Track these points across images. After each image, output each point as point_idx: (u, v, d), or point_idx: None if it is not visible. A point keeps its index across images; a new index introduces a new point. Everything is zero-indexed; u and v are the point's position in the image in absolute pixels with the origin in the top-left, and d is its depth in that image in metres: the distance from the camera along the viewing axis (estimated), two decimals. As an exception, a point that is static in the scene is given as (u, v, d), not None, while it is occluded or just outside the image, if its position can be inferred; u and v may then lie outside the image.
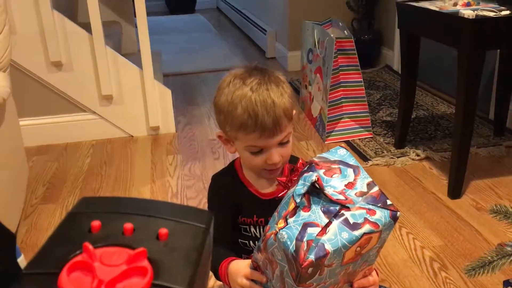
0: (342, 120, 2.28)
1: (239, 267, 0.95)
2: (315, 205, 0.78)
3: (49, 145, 2.34)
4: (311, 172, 0.80)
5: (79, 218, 0.41)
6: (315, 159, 0.84)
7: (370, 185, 0.81)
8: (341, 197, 0.78)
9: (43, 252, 0.38)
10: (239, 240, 1.08)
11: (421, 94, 2.71)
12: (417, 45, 1.96)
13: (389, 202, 0.80)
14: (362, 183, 0.80)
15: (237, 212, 1.06)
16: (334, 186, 0.79)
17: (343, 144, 2.23)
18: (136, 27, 2.38)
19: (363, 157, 2.08)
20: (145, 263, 0.37)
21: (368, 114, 2.29)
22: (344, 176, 0.81)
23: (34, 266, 0.36)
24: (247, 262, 0.96)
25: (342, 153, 0.85)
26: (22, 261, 1.17)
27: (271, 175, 1.02)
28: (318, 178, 0.79)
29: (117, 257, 0.37)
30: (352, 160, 0.84)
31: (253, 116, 0.93)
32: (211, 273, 1.08)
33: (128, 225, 0.40)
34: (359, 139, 2.25)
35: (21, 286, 0.34)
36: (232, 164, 1.09)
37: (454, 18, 1.63)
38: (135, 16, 2.34)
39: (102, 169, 2.11)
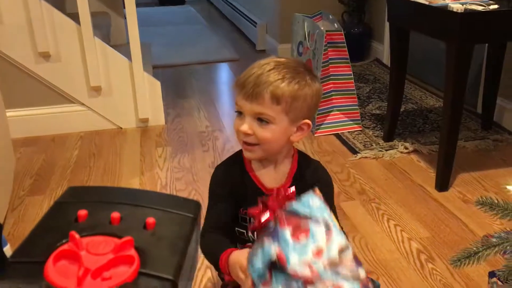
0: (332, 113, 2.28)
1: (238, 259, 0.93)
2: (277, 280, 0.70)
3: (37, 137, 2.32)
4: (271, 243, 0.71)
5: (66, 208, 0.41)
6: (284, 213, 0.76)
7: (342, 250, 0.73)
8: (307, 270, 0.70)
9: (29, 241, 0.37)
10: (236, 228, 1.08)
11: (410, 88, 2.72)
12: (407, 39, 1.97)
13: (362, 272, 0.72)
14: (333, 247, 0.73)
15: (238, 203, 1.05)
16: (300, 253, 0.71)
17: (332, 137, 2.24)
18: (125, 18, 2.36)
19: (352, 150, 2.09)
20: (132, 252, 0.37)
21: (357, 107, 2.29)
22: (312, 238, 0.73)
23: (20, 255, 0.36)
24: (246, 253, 0.89)
25: (315, 205, 0.77)
26: (8, 250, 1.16)
27: (245, 150, 1.02)
28: (278, 255, 0.69)
29: (104, 246, 0.37)
30: (325, 213, 0.76)
31: (245, 76, 0.97)
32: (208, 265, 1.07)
33: (115, 215, 0.40)
34: (349, 132, 2.25)
35: (7, 274, 0.34)
36: (239, 153, 1.07)
37: (443, 11, 1.63)
38: (124, 7, 2.31)
39: (90, 161, 2.10)
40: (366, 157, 2.04)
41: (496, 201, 0.81)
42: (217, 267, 1.01)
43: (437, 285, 1.34)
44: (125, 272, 0.35)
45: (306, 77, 0.99)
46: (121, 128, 2.40)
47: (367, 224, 1.62)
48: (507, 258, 0.88)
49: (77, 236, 0.36)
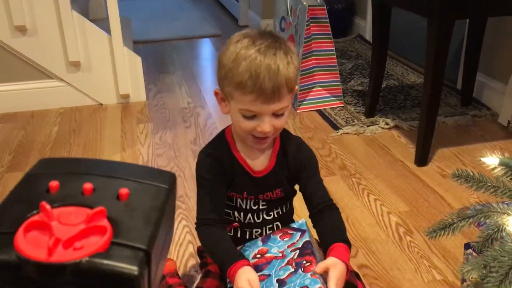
0: (314, 89, 2.28)
1: (246, 272, 0.94)
2: None
3: (15, 113, 2.28)
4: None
5: (37, 179, 0.40)
6: (282, 228, 1.07)
7: (305, 242, 1.00)
8: (279, 254, 1.00)
9: (-1, 213, 0.37)
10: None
11: (392, 64, 2.73)
12: (389, 15, 1.97)
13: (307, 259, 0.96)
14: (301, 241, 1.00)
15: (227, 185, 1.04)
16: (278, 246, 1.01)
17: (314, 113, 2.24)
18: (103, -9, 2.31)
19: (334, 126, 2.10)
20: (105, 222, 0.36)
21: (339, 83, 2.29)
22: (292, 239, 1.02)
23: (-10, 227, 0.35)
24: (249, 275, 0.94)
25: (301, 221, 1.06)
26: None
27: (258, 144, 1.00)
28: None
29: (76, 217, 0.37)
30: (304, 227, 1.04)
31: (254, 76, 0.90)
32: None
33: (88, 185, 0.39)
34: (330, 108, 2.26)
35: (-25, 245, 0.33)
36: (223, 136, 1.06)
37: (424, -14, 1.63)
38: (102, -20, 2.26)
39: (70, 137, 2.07)
40: (347, 133, 2.05)
41: (471, 174, 0.82)
42: (222, 270, 1.00)
43: (415, 257, 1.37)
44: (97, 242, 0.35)
45: (285, 43, 0.96)
46: (101, 104, 2.36)
47: (348, 199, 1.64)
48: (481, 229, 0.90)
49: (48, 206, 0.36)
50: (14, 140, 2.05)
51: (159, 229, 0.38)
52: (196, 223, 1.06)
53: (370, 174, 1.77)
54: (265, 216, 1.09)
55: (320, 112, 2.23)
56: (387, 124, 2.08)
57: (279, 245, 1.03)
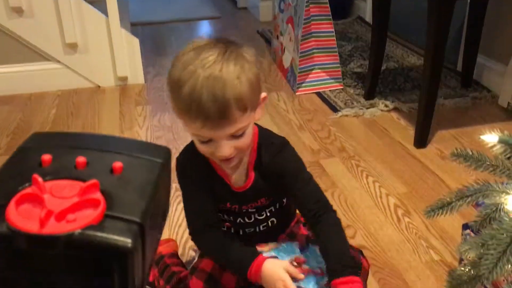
0: (313, 71, 2.26)
1: (278, 274, 0.91)
2: None
3: (13, 95, 2.27)
4: None
5: (29, 153, 0.40)
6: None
7: None
8: (318, 270, 0.98)
9: (-9, 187, 0.36)
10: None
11: (392, 46, 2.71)
12: (389, -5, 1.94)
13: None
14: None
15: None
16: (318, 260, 0.99)
17: (313, 96, 2.23)
18: (100, -29, 2.27)
19: (333, 108, 2.09)
20: (98, 195, 0.36)
21: (339, 65, 2.28)
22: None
23: (-19, 200, 0.35)
24: (281, 263, 0.93)
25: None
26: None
27: (225, 164, 0.91)
28: None
29: (69, 190, 0.36)
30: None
31: (196, 101, 0.78)
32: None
33: (81, 159, 0.39)
34: (330, 90, 2.25)
35: (-34, 217, 0.33)
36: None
37: (425, -35, 1.61)
38: (99, -40, 2.23)
39: (68, 119, 2.07)
40: (346, 115, 2.04)
41: (470, 153, 0.81)
42: (236, 272, 0.96)
43: (413, 238, 1.37)
44: (90, 214, 0.35)
45: (238, 49, 0.84)
46: (99, 86, 2.35)
47: (347, 181, 1.63)
48: (479, 209, 0.90)
49: (40, 179, 0.35)
50: (12, 123, 2.04)
51: (153, 202, 0.38)
52: (191, 232, 1.01)
53: (369, 156, 1.76)
54: (256, 216, 1.04)
55: (319, 95, 2.22)
56: (386, 106, 2.07)
57: (319, 260, 0.98)
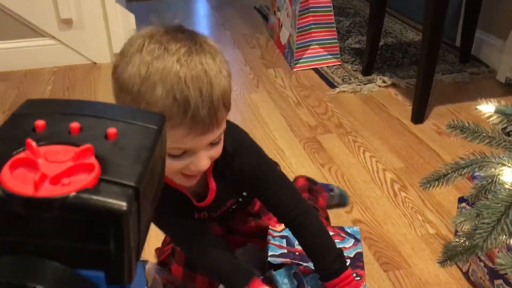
0: (310, 47, 2.25)
1: None
2: None
3: (8, 72, 2.25)
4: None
5: (23, 119, 0.39)
6: (335, 227, 1.08)
7: (357, 253, 1.03)
8: None
9: (-15, 152, 0.36)
10: None
11: (390, 21, 2.69)
12: (388, -32, 1.92)
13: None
14: (353, 251, 1.03)
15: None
16: None
17: (310, 72, 2.22)
18: None
19: (331, 84, 2.08)
20: (92, 160, 0.36)
21: (336, 41, 2.26)
22: (343, 243, 1.04)
23: (-25, 165, 0.35)
24: None
25: (356, 229, 1.10)
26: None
27: (188, 181, 0.79)
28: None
29: (63, 154, 0.36)
30: (358, 235, 1.07)
31: (182, 102, 0.67)
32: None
33: (75, 125, 0.39)
34: (327, 66, 2.23)
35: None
36: None
37: None
38: None
39: (64, 96, 2.06)
40: (344, 91, 2.04)
41: (467, 125, 0.82)
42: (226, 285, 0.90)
43: (409, 212, 1.38)
44: (85, 179, 0.34)
45: (205, 40, 0.74)
46: (95, 63, 2.33)
47: (344, 156, 1.64)
48: (475, 182, 0.91)
49: (34, 144, 0.35)
50: (8, 99, 2.03)
51: (148, 168, 0.38)
52: (173, 243, 0.95)
53: (366, 132, 1.76)
54: (222, 210, 0.97)
55: (316, 71, 2.21)
56: (384, 82, 2.06)
57: None
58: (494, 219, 0.64)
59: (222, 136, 0.78)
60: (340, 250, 0.91)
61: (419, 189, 1.46)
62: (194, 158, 0.74)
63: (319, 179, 1.53)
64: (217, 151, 0.78)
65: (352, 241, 1.05)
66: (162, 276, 0.98)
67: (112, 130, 0.39)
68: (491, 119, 0.72)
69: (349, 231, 1.08)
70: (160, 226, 0.91)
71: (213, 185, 0.86)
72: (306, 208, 0.91)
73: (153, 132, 0.41)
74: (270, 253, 1.01)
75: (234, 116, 1.89)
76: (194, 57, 0.69)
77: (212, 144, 0.76)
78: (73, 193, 0.33)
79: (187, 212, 0.90)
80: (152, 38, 0.70)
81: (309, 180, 1.32)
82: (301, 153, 1.66)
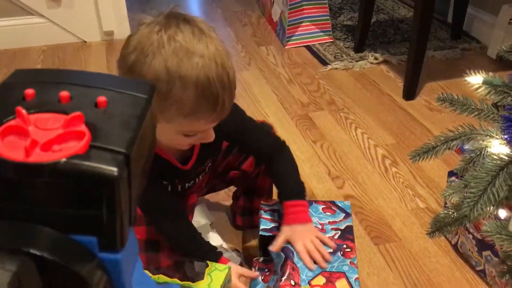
0: (302, 24, 2.23)
1: (235, 273, 0.93)
2: None
3: (-3, 51, 2.22)
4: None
5: (12, 88, 0.39)
6: (326, 201, 1.09)
7: (347, 226, 1.03)
8: (319, 226, 1.02)
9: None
10: None
11: (382, -2, 2.67)
12: None
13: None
14: (343, 224, 1.03)
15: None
16: (319, 217, 1.04)
17: (302, 49, 2.21)
18: None
19: (323, 62, 2.08)
20: (82, 127, 0.36)
21: (328, 17, 2.25)
22: (334, 217, 1.05)
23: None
24: (233, 269, 0.93)
25: (347, 203, 1.09)
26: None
27: (188, 146, 0.90)
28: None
29: (53, 122, 0.36)
30: (349, 209, 1.07)
31: (212, 101, 0.76)
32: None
33: (64, 93, 0.39)
34: (319, 43, 2.23)
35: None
36: None
37: None
38: None
39: (55, 75, 2.04)
40: (336, 68, 2.03)
41: (456, 97, 0.82)
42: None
43: (400, 187, 1.40)
44: (75, 145, 0.35)
45: (203, 24, 0.79)
46: (85, 41, 2.31)
47: (335, 133, 1.65)
48: (464, 154, 0.92)
49: (24, 111, 0.35)
50: (-3, 79, 2.01)
51: (139, 135, 0.38)
52: (149, 221, 0.98)
53: (358, 109, 1.77)
54: (199, 178, 1.05)
55: (308, 48, 2.20)
56: (376, 59, 2.06)
57: (320, 217, 1.04)
58: (481, 188, 0.65)
59: None
60: (303, 187, 1.04)
61: (410, 164, 1.48)
62: (205, 134, 0.84)
63: (311, 155, 1.54)
64: None
65: (342, 215, 1.06)
66: None
67: (102, 99, 0.39)
68: (479, 90, 0.72)
69: (340, 205, 1.09)
70: (147, 197, 0.94)
71: (198, 145, 0.94)
72: (279, 146, 1.03)
73: (143, 101, 0.41)
74: (262, 227, 1.03)
75: (226, 94, 1.89)
76: (203, 46, 0.75)
77: None
78: (64, 159, 0.34)
79: (170, 178, 0.96)
80: (159, 27, 0.75)
81: None
82: (293, 130, 1.66)
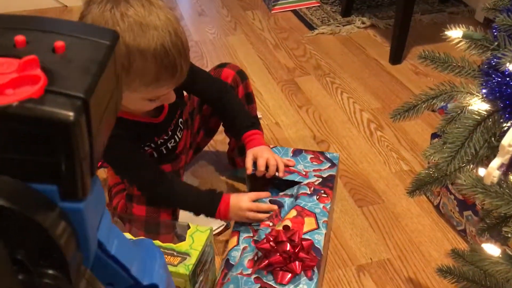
0: (289, -12, 2.19)
1: (240, 198, 1.00)
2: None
3: (-25, 17, 2.16)
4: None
5: (-36, 33, 0.38)
6: (316, 151, 1.14)
7: (330, 175, 1.06)
8: (303, 172, 1.07)
9: None
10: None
11: (371, -38, 2.62)
12: None
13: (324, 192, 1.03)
14: (327, 172, 1.07)
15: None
16: (305, 165, 1.08)
17: (289, 14, 2.17)
18: None
19: (309, 26, 2.05)
20: (38, 71, 0.35)
21: (316, -19, 2.21)
22: (320, 166, 1.09)
23: None
24: (245, 195, 1.01)
25: (336, 155, 1.13)
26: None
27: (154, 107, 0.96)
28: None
29: (6, 66, 0.35)
30: (336, 160, 1.11)
31: (171, 66, 0.82)
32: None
33: (20, 38, 0.37)
34: (306, 8, 2.19)
35: None
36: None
37: None
38: None
39: (35, 41, 1.99)
40: (323, 33, 2.01)
41: (437, 55, 0.81)
42: (205, 214, 1.01)
43: (384, 151, 1.40)
44: (30, 90, 0.33)
45: None
46: (66, 6, 2.25)
47: (321, 98, 1.64)
48: (445, 113, 0.91)
49: (-25, 55, 0.34)
50: (-24, 45, 1.96)
51: (99, 81, 0.37)
52: (140, 187, 1.01)
53: (344, 74, 1.76)
54: (178, 135, 1.10)
55: (295, 12, 2.17)
56: (363, 23, 2.03)
57: (306, 165, 1.09)
58: (458, 143, 0.65)
59: None
60: (255, 119, 1.15)
61: (394, 128, 1.48)
62: (168, 95, 0.91)
63: (296, 120, 1.53)
64: None
65: (328, 164, 1.10)
66: (125, 226, 1.00)
67: (59, 43, 0.37)
68: (459, 45, 0.71)
69: (328, 156, 1.12)
70: (127, 171, 1.00)
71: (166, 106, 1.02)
72: (225, 88, 1.13)
73: (104, 47, 0.39)
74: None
75: (211, 58, 1.86)
76: (154, 17, 0.80)
77: None
78: (16, 103, 0.32)
79: (148, 138, 1.02)
80: (117, 9, 0.80)
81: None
82: (278, 95, 1.65)
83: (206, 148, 1.34)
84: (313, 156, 1.11)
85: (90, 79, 0.36)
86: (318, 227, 0.94)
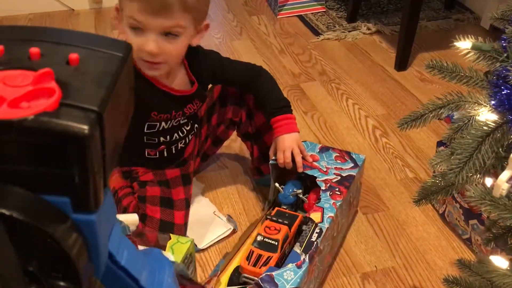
0: (295, -7, 2.19)
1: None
2: None
3: (-18, 19, 2.17)
4: None
5: (-20, 44, 0.38)
6: (342, 150, 1.16)
7: (349, 175, 1.08)
8: (324, 169, 1.10)
9: None
10: (146, 138, 1.07)
11: (377, -32, 2.62)
12: None
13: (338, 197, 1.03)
14: (347, 172, 1.09)
15: (146, 110, 1.00)
16: (328, 162, 1.11)
17: (295, 19, 2.18)
18: None
19: (315, 32, 2.05)
20: (53, 84, 0.35)
21: (321, -13, 2.21)
22: (342, 165, 1.11)
23: None
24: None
25: (362, 157, 1.15)
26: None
27: (149, 68, 0.95)
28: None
29: (22, 79, 0.35)
30: (360, 162, 1.13)
31: None
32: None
33: (34, 50, 0.37)
34: (312, 13, 2.19)
35: None
36: (135, 67, 0.99)
37: None
38: None
39: (42, 44, 2.00)
40: (328, 39, 2.01)
41: (445, 64, 0.81)
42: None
43: (389, 158, 1.40)
44: (45, 102, 0.34)
45: None
46: (73, 10, 2.26)
47: (326, 103, 1.64)
48: (452, 122, 0.91)
49: (-10, 68, 0.34)
50: (-17, 47, 1.97)
51: (113, 93, 0.37)
52: None
53: (350, 79, 1.76)
54: (186, 128, 1.11)
55: (301, 18, 2.17)
56: (368, 29, 2.03)
57: (329, 162, 1.12)
58: (466, 155, 0.65)
59: (181, 39, 0.92)
60: (286, 102, 1.13)
61: (400, 135, 1.48)
62: (146, 39, 0.89)
63: (301, 126, 1.53)
64: (172, 46, 0.91)
65: (351, 164, 1.12)
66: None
67: (74, 56, 0.38)
68: (468, 55, 0.71)
69: (353, 156, 1.14)
70: None
71: (192, 77, 1.06)
72: (257, 71, 1.15)
73: (117, 59, 0.40)
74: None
75: (216, 63, 1.87)
76: None
77: (167, 35, 0.89)
78: (32, 116, 0.33)
79: (167, 107, 1.04)
80: None
81: None
82: (284, 100, 1.65)
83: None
84: (338, 154, 1.14)
85: (103, 92, 0.36)
86: (322, 221, 0.97)
